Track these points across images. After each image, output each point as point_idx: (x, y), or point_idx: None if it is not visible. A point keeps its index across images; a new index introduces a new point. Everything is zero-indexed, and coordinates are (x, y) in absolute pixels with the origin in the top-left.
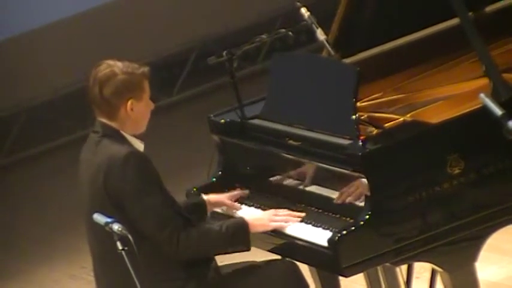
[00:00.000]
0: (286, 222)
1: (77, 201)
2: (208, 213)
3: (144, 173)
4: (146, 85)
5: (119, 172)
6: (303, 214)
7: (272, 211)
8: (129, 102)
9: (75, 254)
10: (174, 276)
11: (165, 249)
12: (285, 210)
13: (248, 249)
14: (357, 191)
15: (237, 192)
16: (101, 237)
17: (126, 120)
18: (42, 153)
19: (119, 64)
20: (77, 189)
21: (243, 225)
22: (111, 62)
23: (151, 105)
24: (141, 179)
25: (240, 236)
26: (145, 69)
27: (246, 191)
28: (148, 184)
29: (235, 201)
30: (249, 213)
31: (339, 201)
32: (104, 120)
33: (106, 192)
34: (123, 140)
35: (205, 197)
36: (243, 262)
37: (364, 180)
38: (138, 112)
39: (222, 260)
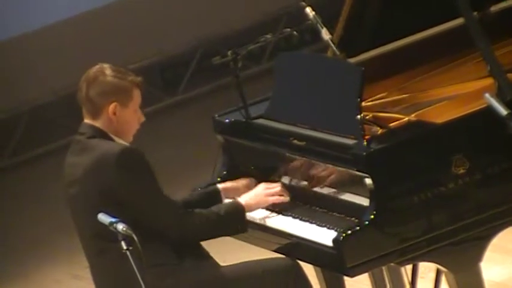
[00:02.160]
0: (279, 199)
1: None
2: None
3: (140, 168)
4: (135, 94)
5: (114, 170)
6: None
7: (262, 186)
8: (112, 105)
9: (78, 254)
10: (165, 262)
11: (168, 232)
12: (277, 183)
13: (245, 231)
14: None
15: (250, 179)
16: (95, 238)
17: (108, 123)
18: (44, 155)
19: (112, 67)
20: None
21: (238, 208)
22: (104, 64)
23: (141, 117)
24: (138, 173)
25: (236, 217)
26: (137, 78)
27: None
28: (146, 176)
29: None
30: (243, 195)
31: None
32: (90, 122)
33: (101, 190)
34: (110, 140)
35: (220, 185)
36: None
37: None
38: (121, 118)
39: (224, 260)
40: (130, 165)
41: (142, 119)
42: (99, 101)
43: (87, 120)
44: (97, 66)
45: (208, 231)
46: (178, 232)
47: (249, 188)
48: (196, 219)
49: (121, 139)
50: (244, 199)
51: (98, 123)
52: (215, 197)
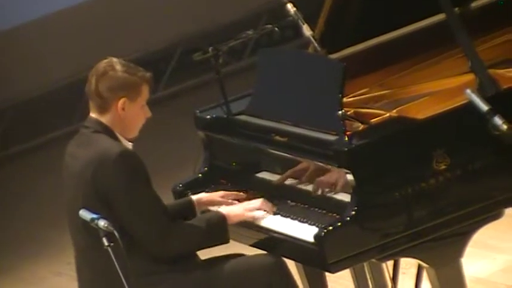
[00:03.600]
0: (259, 211)
1: (61, 195)
2: (199, 212)
3: (135, 172)
4: (144, 90)
5: (110, 170)
6: (275, 208)
7: (246, 202)
8: (121, 101)
9: (60, 250)
10: (157, 270)
11: (149, 247)
12: (259, 200)
13: (227, 242)
14: (335, 182)
15: (231, 192)
16: (83, 232)
17: (116, 119)
18: (29, 149)
19: (122, 62)
20: (61, 183)
21: (220, 219)
22: (114, 58)
23: (148, 113)
24: (132, 177)
25: (218, 229)
26: (147, 74)
27: (241, 193)
28: (139, 183)
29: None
30: (225, 207)
31: (318, 193)
32: (96, 116)
33: (94, 187)
34: (114, 137)
35: (195, 196)
36: (230, 255)
37: (347, 175)
38: (129, 114)
39: (209, 251)
40: (127, 167)
41: (149, 114)
42: (109, 96)
43: (93, 115)
44: (106, 60)
45: (189, 247)
46: (160, 248)
47: (224, 199)
48: (177, 236)
49: (127, 135)
50: (226, 210)
51: (104, 119)
52: (189, 208)
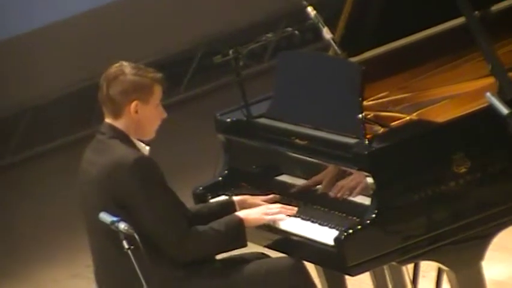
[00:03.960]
0: (278, 214)
1: (77, 198)
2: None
3: (152, 178)
4: (157, 90)
5: (126, 178)
6: (296, 209)
7: (264, 206)
8: (134, 104)
9: (79, 252)
10: (177, 275)
11: (168, 251)
12: (277, 204)
13: (245, 246)
14: (355, 185)
15: (271, 196)
16: (103, 237)
17: (130, 122)
18: (46, 153)
19: (131, 65)
20: (78, 187)
21: (238, 222)
22: (124, 62)
23: (163, 113)
24: (149, 184)
25: (236, 232)
26: (158, 75)
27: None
28: (156, 189)
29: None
30: (244, 210)
31: (338, 195)
32: (110, 122)
33: (112, 195)
34: (130, 143)
35: (238, 197)
36: (251, 253)
37: (367, 178)
38: (143, 116)
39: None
40: (144, 174)
41: (164, 115)
42: (121, 100)
43: (108, 120)
44: (116, 65)
45: (208, 250)
46: (179, 252)
47: (266, 201)
48: (197, 240)
49: (143, 137)
50: (244, 213)
51: (118, 124)
52: (229, 209)
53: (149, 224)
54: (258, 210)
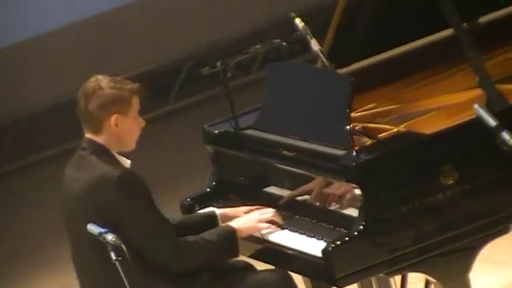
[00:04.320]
0: (272, 223)
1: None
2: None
3: (137, 193)
4: (134, 101)
5: (112, 194)
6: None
7: (257, 212)
8: (114, 117)
9: (70, 263)
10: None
11: (161, 263)
12: (270, 209)
13: (237, 256)
14: (342, 197)
15: (255, 207)
16: (88, 251)
17: (111, 135)
18: (41, 161)
19: (107, 78)
20: (58, 203)
21: (230, 232)
22: (99, 76)
23: (141, 123)
24: (135, 199)
25: (228, 243)
26: (135, 85)
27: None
28: (142, 203)
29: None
30: (236, 219)
31: (326, 208)
32: (90, 136)
33: (96, 211)
34: (112, 158)
35: (219, 210)
36: (237, 261)
37: (355, 189)
38: (123, 128)
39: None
40: (129, 189)
41: (143, 123)
42: (100, 115)
43: (88, 135)
44: (92, 79)
45: (200, 261)
46: (171, 263)
47: (248, 212)
48: (189, 251)
49: (124, 149)
50: (236, 223)
51: (99, 138)
52: (212, 222)
53: (139, 238)
54: (252, 217)
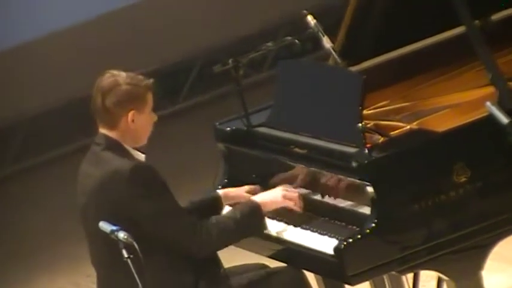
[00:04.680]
0: (294, 197)
1: (76, 208)
2: (227, 208)
3: (151, 183)
4: (149, 98)
5: (126, 188)
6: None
7: (281, 188)
8: (131, 113)
9: (80, 262)
10: (183, 284)
11: (187, 249)
12: (295, 190)
13: (264, 230)
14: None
15: (255, 186)
16: (104, 248)
17: (126, 131)
18: (46, 162)
19: (123, 74)
20: (76, 199)
21: (255, 207)
22: (115, 72)
23: (154, 118)
24: (150, 188)
25: (254, 218)
26: (149, 81)
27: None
28: (158, 192)
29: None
30: (259, 194)
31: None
32: (105, 132)
33: (113, 206)
34: (125, 153)
35: (221, 191)
36: (251, 264)
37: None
38: (139, 124)
39: (232, 259)
40: (143, 182)
41: (155, 118)
42: (117, 111)
43: (102, 130)
44: (108, 75)
45: (227, 240)
46: (197, 248)
47: (251, 191)
48: (213, 231)
49: (137, 144)
50: (260, 197)
51: (114, 134)
52: (215, 203)
53: (159, 227)
54: (276, 191)
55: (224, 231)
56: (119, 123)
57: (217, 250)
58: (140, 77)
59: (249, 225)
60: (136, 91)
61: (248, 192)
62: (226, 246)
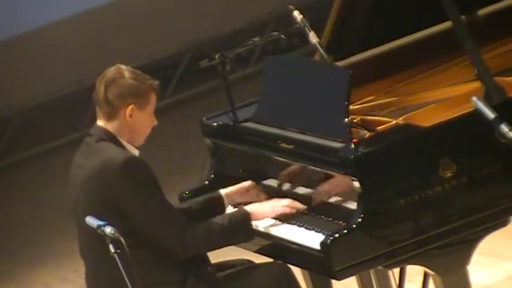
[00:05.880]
0: (287, 211)
1: (68, 202)
2: (230, 207)
3: (143, 177)
4: (152, 97)
5: (117, 179)
6: (304, 206)
7: (274, 200)
8: (130, 108)
9: (68, 257)
10: (171, 279)
11: (171, 248)
12: (288, 199)
13: (250, 239)
14: (341, 190)
15: (249, 182)
16: (93, 241)
17: (123, 125)
18: (35, 156)
19: (130, 69)
20: (68, 191)
21: (244, 216)
22: (123, 66)
23: (154, 121)
24: (141, 183)
25: (241, 226)
26: (155, 82)
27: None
28: (149, 188)
29: None
30: (251, 204)
31: (324, 200)
32: (102, 124)
33: (103, 198)
34: (119, 144)
35: (223, 191)
36: (237, 260)
37: (353, 182)
38: (136, 121)
39: (217, 255)
40: (135, 175)
41: (155, 122)
42: (117, 103)
43: (99, 122)
44: (115, 67)
45: (211, 244)
46: (181, 248)
47: (252, 189)
48: (199, 234)
49: (132, 142)
50: (251, 207)
51: (110, 126)
52: (217, 203)
53: (146, 222)
54: (268, 206)
55: (210, 235)
56: (117, 116)
57: (201, 252)
58: (146, 75)
59: (235, 232)
60: (139, 87)
61: (247, 187)
62: (211, 250)
